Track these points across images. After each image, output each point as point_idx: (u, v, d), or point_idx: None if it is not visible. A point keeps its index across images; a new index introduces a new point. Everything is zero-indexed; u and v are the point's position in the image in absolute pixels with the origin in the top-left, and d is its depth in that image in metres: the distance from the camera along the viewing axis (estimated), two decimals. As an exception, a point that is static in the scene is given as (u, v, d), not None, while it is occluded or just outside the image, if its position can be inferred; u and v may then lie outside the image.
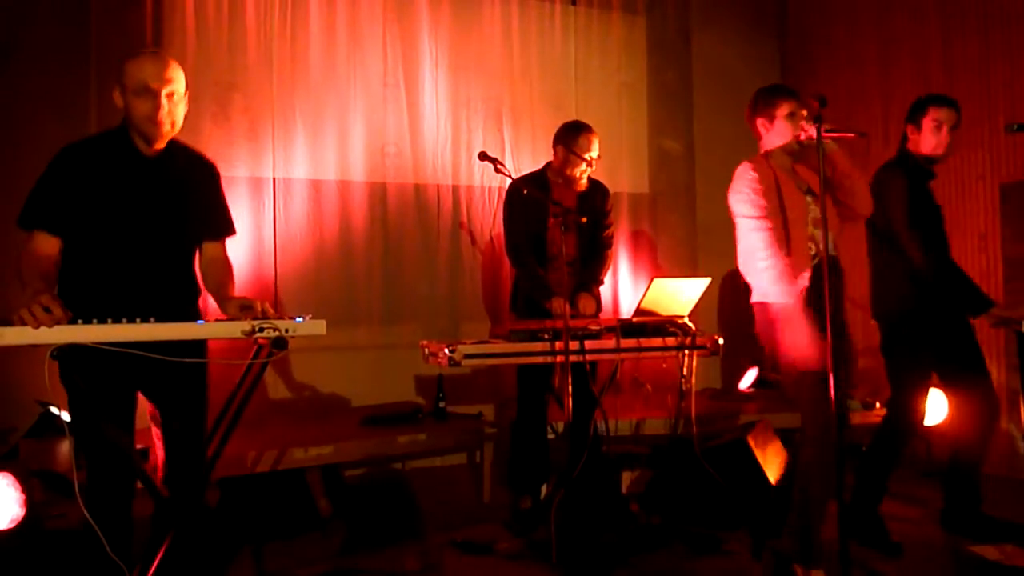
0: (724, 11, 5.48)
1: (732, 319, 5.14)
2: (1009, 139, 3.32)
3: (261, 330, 2.01)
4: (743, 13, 5.55)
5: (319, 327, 2.08)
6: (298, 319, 2.05)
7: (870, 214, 2.88)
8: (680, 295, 3.23)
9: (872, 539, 2.99)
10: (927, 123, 3.10)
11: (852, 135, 2.58)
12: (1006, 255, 4.02)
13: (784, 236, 2.65)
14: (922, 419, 3.12)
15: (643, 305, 3.19)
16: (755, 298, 2.75)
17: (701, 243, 5.20)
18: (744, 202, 2.72)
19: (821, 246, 2.61)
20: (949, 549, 2.96)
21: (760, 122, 2.84)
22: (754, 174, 2.72)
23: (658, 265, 5.08)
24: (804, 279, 2.64)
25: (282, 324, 2.02)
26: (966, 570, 2.79)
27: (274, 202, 4.23)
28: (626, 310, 4.79)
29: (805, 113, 2.78)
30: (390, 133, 4.50)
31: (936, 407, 3.57)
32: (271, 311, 2.08)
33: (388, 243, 4.47)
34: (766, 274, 2.65)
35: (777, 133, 2.80)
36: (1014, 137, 2.98)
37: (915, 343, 3.05)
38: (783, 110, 2.78)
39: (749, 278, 2.77)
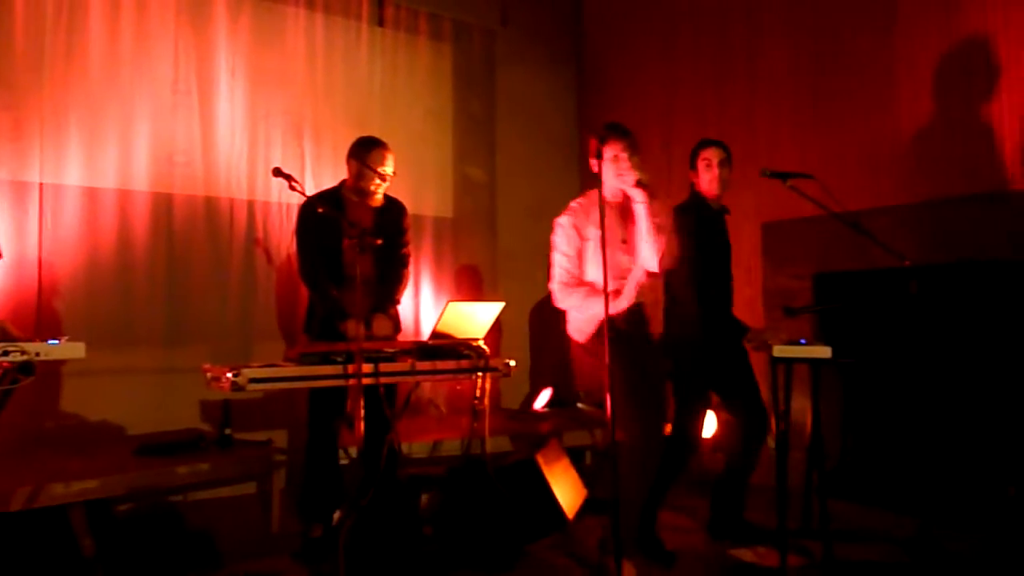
0: (528, 45, 5.72)
1: (525, 342, 5.32)
2: (770, 182, 3.71)
3: (6, 353, 1.80)
4: (545, 49, 5.83)
5: (77, 350, 1.91)
6: (52, 341, 1.86)
7: (659, 271, 3.02)
8: (475, 318, 3.28)
9: (648, 550, 3.18)
10: (700, 164, 3.40)
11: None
12: (766, 287, 4.48)
13: (579, 276, 2.84)
14: (700, 436, 3.37)
15: (439, 328, 3.20)
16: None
17: (502, 268, 5.35)
18: (554, 235, 2.94)
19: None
20: (712, 555, 3.21)
21: (591, 161, 2.94)
22: (570, 215, 2.91)
23: (460, 289, 5.15)
24: (595, 319, 2.78)
25: (31, 347, 1.83)
26: (726, 573, 3.04)
27: (40, 209, 3.84)
28: (427, 333, 4.80)
29: (626, 158, 2.88)
30: (179, 142, 4.24)
31: (708, 424, 3.89)
32: (13, 331, 1.87)
33: (173, 258, 4.19)
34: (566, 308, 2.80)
35: (605, 173, 2.90)
36: (774, 180, 3.32)
37: (696, 366, 3.30)
38: (608, 151, 2.90)
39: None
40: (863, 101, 4.06)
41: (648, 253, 2.93)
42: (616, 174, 2.90)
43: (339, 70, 4.79)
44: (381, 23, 5.01)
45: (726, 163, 3.43)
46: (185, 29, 4.30)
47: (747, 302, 4.50)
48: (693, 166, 3.44)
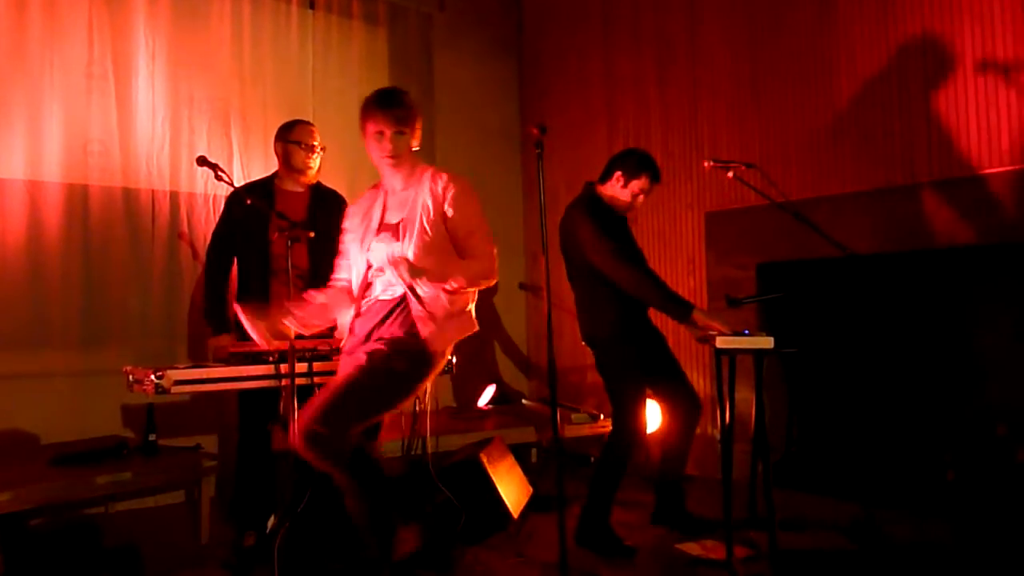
0: (466, 31, 5.63)
1: (467, 338, 5.26)
2: (712, 172, 3.75)
3: None
4: (486, 35, 5.75)
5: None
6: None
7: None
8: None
9: (605, 547, 3.16)
10: (632, 185, 3.33)
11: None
12: (710, 278, 4.52)
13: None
14: (643, 429, 3.37)
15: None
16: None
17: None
18: None
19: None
20: (661, 549, 3.22)
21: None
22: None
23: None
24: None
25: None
26: (674, 567, 3.05)
27: (-61, 202, 3.61)
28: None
29: (387, 133, 2.65)
30: (94, 129, 4.04)
31: (653, 416, 3.90)
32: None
33: (90, 254, 3.99)
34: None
35: (370, 153, 2.76)
36: (716, 170, 3.34)
37: (625, 361, 3.30)
38: (370, 127, 2.68)
39: None
40: (803, 90, 4.11)
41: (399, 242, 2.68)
42: (378, 154, 2.69)
43: (268, 54, 4.62)
44: (312, 5, 4.86)
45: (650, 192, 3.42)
46: (99, 7, 4.09)
47: (691, 292, 4.54)
48: (622, 180, 3.34)
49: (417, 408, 3.23)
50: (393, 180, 2.78)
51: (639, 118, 4.98)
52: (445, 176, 2.75)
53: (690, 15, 4.70)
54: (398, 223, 2.73)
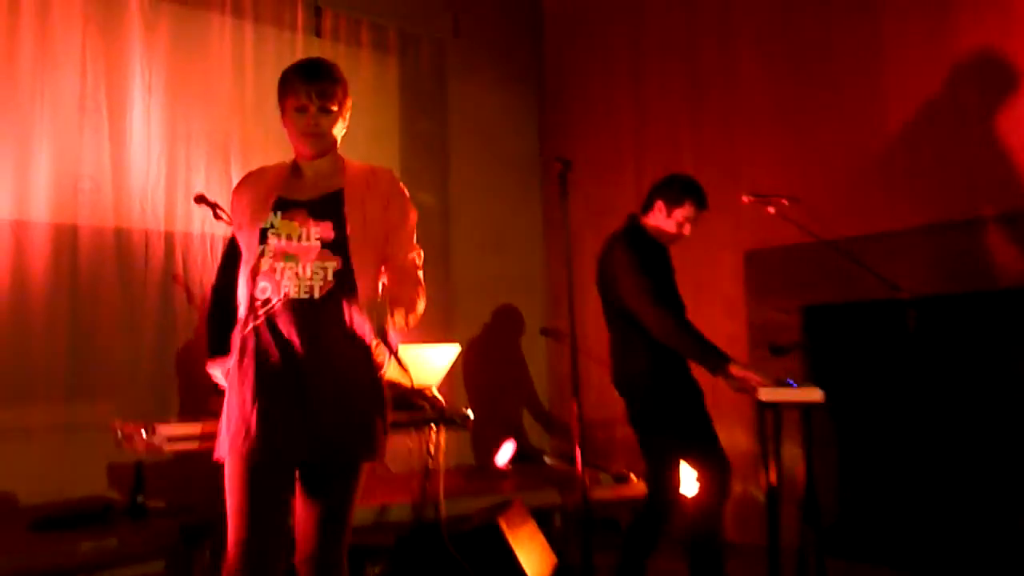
0: (483, 59, 5.73)
1: (483, 389, 5.27)
2: (751, 207, 3.75)
3: None
4: (503, 63, 5.85)
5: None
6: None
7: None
8: (427, 363, 3.23)
9: None
10: (676, 214, 3.34)
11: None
12: (751, 322, 4.49)
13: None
14: (680, 491, 3.33)
15: (386, 375, 3.13)
16: None
17: (457, 305, 5.29)
18: None
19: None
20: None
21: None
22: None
23: (409, 329, 5.07)
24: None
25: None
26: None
27: (-80, 243, 3.70)
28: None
29: (311, 108, 2.27)
30: (86, 166, 4.12)
31: (689, 477, 3.85)
32: None
33: (77, 298, 4.03)
34: None
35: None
36: (755, 206, 3.35)
37: (660, 414, 3.27)
38: (290, 102, 2.29)
39: None
40: (849, 119, 4.13)
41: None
42: (298, 130, 2.29)
43: (270, 85, 4.66)
44: (318, 33, 4.97)
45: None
46: (94, 37, 4.20)
47: (729, 338, 4.47)
48: (665, 209, 3.36)
49: (429, 467, 3.22)
50: (307, 167, 2.33)
51: (669, 149, 5.01)
52: (386, 172, 2.42)
53: (725, 39, 4.75)
54: (312, 204, 2.25)
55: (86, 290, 4.08)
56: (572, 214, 3.35)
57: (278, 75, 2.29)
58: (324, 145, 2.32)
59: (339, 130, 2.34)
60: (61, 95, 4.10)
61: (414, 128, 5.37)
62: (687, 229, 3.37)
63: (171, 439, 2.74)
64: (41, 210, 3.99)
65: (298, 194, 2.27)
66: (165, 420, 2.82)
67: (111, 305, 4.14)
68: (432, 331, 5.02)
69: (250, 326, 2.18)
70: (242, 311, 2.23)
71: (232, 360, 2.22)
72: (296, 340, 2.14)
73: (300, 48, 4.87)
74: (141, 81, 4.31)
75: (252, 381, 2.16)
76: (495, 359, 5.43)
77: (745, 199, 3.34)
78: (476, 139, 5.58)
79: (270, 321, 2.16)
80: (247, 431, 2.13)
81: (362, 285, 2.20)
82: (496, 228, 5.59)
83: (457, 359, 3.48)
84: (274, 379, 2.15)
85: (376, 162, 5.11)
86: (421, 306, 2.34)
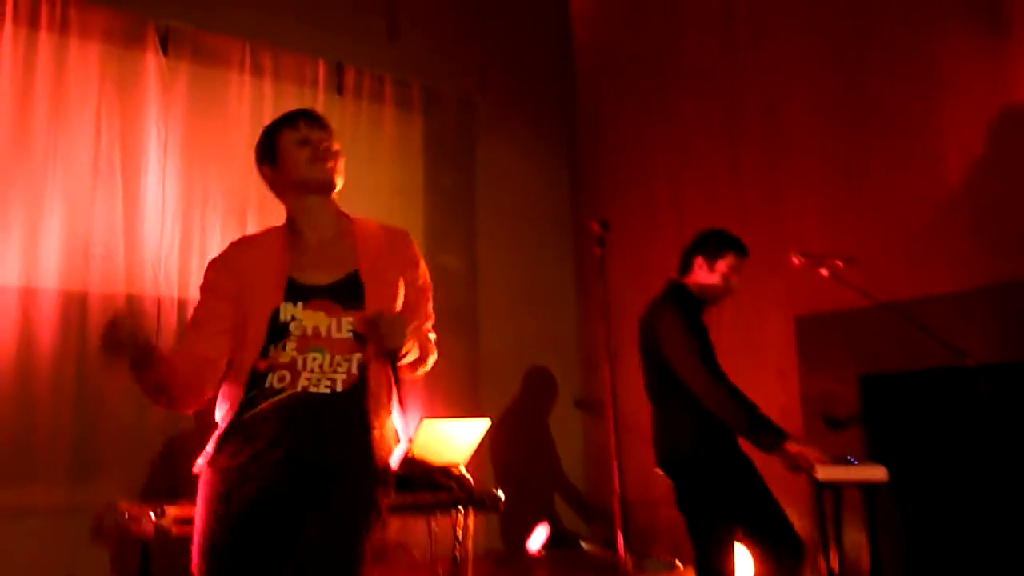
0: (510, 113, 5.83)
1: (514, 467, 5.21)
2: (802, 268, 3.73)
3: None
4: (532, 117, 5.94)
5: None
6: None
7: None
8: (454, 439, 3.20)
9: None
10: (719, 265, 3.33)
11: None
12: (804, 393, 4.42)
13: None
14: (732, 576, 3.25)
15: (410, 452, 3.12)
16: None
17: (485, 376, 5.28)
18: None
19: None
20: None
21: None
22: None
23: (434, 402, 5.06)
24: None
25: None
26: None
27: (-76, 311, 3.78)
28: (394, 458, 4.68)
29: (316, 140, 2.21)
30: (98, 230, 4.21)
31: (744, 563, 3.75)
32: None
33: (84, 370, 4.07)
34: None
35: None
36: (807, 266, 3.32)
37: (710, 493, 3.20)
38: (283, 141, 2.22)
39: None
40: (906, 173, 4.10)
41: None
42: (307, 167, 2.19)
43: (290, 145, 4.81)
44: (340, 91, 5.09)
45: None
46: (109, 96, 4.33)
47: (781, 410, 4.41)
48: (706, 265, 3.34)
49: (457, 554, 3.17)
50: (308, 229, 2.22)
51: (711, 207, 5.01)
52: (402, 235, 2.36)
53: (771, 89, 4.78)
54: (336, 290, 2.14)
55: (93, 361, 4.12)
56: (608, 275, 3.35)
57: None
58: (335, 177, 2.20)
59: (339, 181, 2.23)
60: (75, 156, 4.22)
61: (439, 186, 5.44)
62: (735, 281, 3.35)
63: (180, 521, 2.73)
64: (51, 276, 4.07)
65: (312, 274, 2.14)
66: (174, 501, 2.81)
67: (120, 377, 4.16)
68: (459, 404, 5.04)
69: (250, 415, 2.05)
70: (232, 395, 2.09)
71: (219, 449, 2.08)
72: (310, 438, 2.03)
73: (321, 106, 4.98)
74: (157, 141, 4.43)
75: (252, 477, 2.02)
76: (526, 434, 5.39)
77: (795, 260, 3.32)
78: (505, 197, 5.64)
79: (279, 412, 2.04)
80: (236, 533, 2.01)
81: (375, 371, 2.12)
82: (527, 292, 5.60)
83: (487, 433, 3.45)
84: (276, 478, 2.01)
85: (400, 222, 5.20)
86: (431, 361, 2.33)
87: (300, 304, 2.10)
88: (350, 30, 5.16)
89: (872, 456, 3.83)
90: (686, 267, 3.43)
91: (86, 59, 4.29)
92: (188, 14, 4.61)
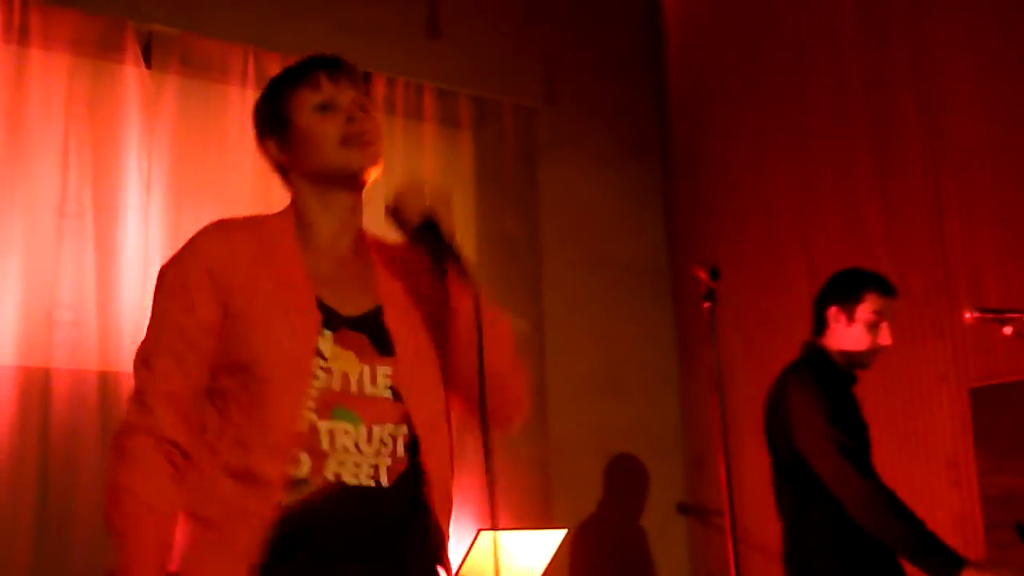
0: (584, 131, 5.84)
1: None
2: (978, 327, 3.68)
3: None
4: (610, 136, 5.96)
5: None
6: None
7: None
8: (524, 555, 3.20)
9: None
10: (858, 313, 3.37)
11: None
12: (984, 492, 4.30)
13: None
14: None
15: (464, 571, 3.13)
16: None
17: (557, 472, 5.25)
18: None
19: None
20: None
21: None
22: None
23: (491, 508, 5.03)
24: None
25: None
26: None
27: None
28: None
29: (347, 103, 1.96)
30: (65, 290, 4.29)
31: None
32: None
33: (48, 462, 4.15)
34: None
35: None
36: (985, 324, 3.28)
37: None
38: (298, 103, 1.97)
39: None
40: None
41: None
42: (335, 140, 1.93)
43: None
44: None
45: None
46: (79, 118, 4.43)
47: (954, 520, 4.33)
48: (843, 316, 3.38)
49: None
50: (341, 214, 1.98)
51: (852, 248, 4.94)
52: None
53: (928, 92, 4.74)
54: (369, 324, 1.89)
55: (60, 449, 4.18)
56: (721, 340, 3.33)
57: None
58: (375, 165, 1.94)
59: (376, 171, 1.95)
60: (35, 195, 4.31)
61: (495, 225, 5.47)
62: (885, 333, 3.35)
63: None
64: (6, 350, 4.15)
65: (335, 294, 1.86)
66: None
67: (90, 471, 4.20)
68: (528, 510, 5.00)
69: (257, 520, 1.71)
70: (224, 492, 1.76)
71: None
72: (350, 564, 1.75)
73: (345, 125, 5.06)
74: (138, 175, 4.50)
75: None
76: (613, 546, 5.36)
77: (968, 316, 3.30)
78: (577, 234, 5.66)
79: (304, 519, 1.72)
80: None
81: (433, 462, 1.86)
82: (610, 362, 5.58)
83: (561, 547, 3.42)
84: None
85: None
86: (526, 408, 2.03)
87: (328, 334, 1.81)
88: (378, 28, 5.21)
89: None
90: (820, 324, 3.45)
91: (50, 73, 4.40)
92: (175, 16, 4.70)
